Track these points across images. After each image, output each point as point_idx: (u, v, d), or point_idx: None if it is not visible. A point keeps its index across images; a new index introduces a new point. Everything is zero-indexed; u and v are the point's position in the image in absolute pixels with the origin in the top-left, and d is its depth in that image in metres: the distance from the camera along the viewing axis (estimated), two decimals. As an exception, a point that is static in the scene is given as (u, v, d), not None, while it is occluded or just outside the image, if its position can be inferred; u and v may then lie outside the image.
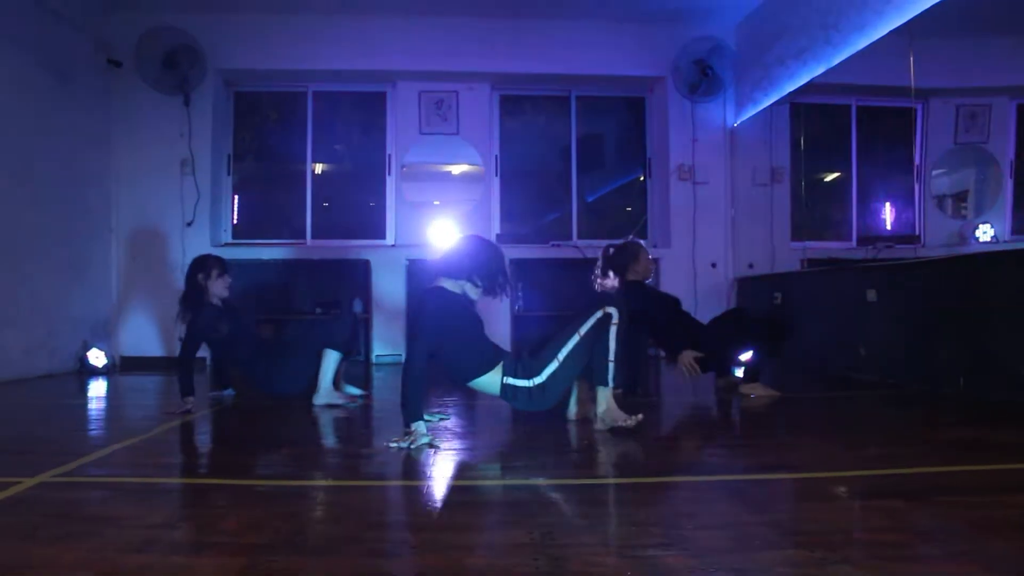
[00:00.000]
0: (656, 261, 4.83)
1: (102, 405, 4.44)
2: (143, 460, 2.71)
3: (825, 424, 3.55)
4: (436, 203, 7.30)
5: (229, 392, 4.47)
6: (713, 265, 7.25)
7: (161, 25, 6.63)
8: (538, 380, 3.15)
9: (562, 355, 3.15)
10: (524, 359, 3.23)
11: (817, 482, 2.29)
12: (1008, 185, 7.30)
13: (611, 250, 4.57)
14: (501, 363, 3.18)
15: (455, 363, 3.18)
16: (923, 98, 7.25)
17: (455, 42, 7.10)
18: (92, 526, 1.82)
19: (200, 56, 6.71)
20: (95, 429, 3.55)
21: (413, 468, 2.49)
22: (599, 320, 3.13)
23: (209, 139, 6.91)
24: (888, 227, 7.76)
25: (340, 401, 4.08)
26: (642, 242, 4.60)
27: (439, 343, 3.05)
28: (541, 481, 2.29)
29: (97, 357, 6.06)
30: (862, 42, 5.40)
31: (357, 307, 6.89)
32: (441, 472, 2.44)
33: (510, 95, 7.64)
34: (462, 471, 2.50)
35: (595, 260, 7.12)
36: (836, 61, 5.72)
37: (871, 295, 5.11)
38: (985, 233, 7.18)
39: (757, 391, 4.27)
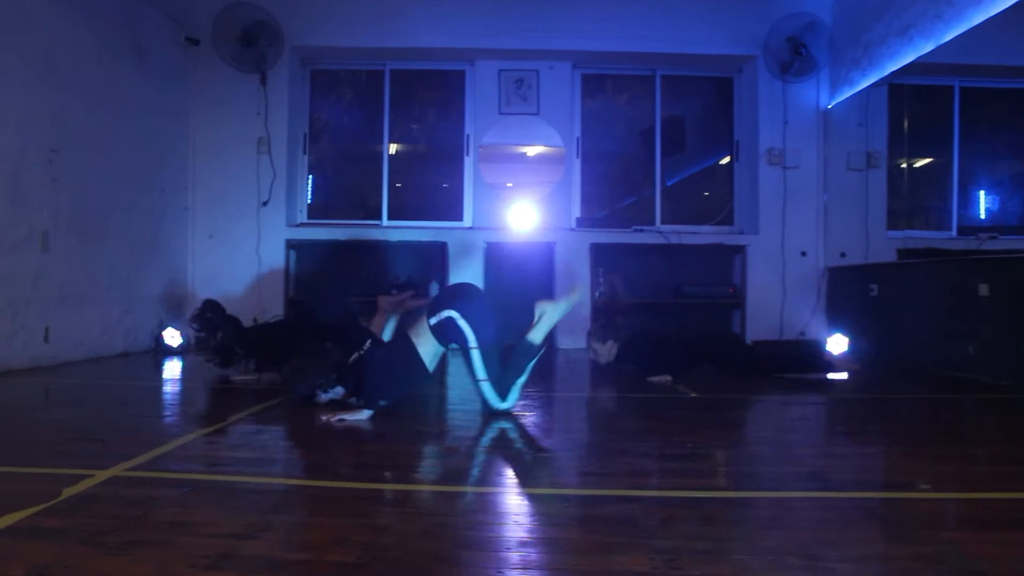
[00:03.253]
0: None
1: (177, 389, 4.37)
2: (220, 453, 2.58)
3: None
4: (510, 185, 7.11)
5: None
6: (803, 254, 6.89)
7: (238, 1, 6.54)
8: None
9: None
10: None
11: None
12: None
13: None
14: None
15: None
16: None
17: (536, 19, 6.85)
18: (164, 534, 1.67)
19: (278, 33, 6.61)
20: (169, 416, 3.47)
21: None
22: None
23: (285, 118, 6.84)
24: (993, 216, 7.30)
25: None
26: None
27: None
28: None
29: (172, 337, 6.04)
30: (978, 17, 4.99)
31: (434, 290, 6.74)
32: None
33: (592, 74, 7.38)
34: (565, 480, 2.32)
35: (679, 246, 6.95)
36: (947, 38, 5.31)
37: (983, 289, 4.75)
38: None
39: None
